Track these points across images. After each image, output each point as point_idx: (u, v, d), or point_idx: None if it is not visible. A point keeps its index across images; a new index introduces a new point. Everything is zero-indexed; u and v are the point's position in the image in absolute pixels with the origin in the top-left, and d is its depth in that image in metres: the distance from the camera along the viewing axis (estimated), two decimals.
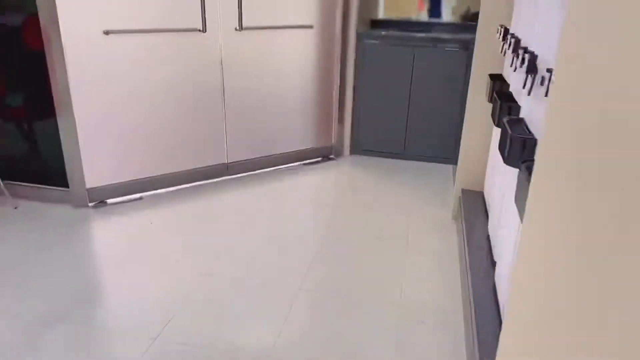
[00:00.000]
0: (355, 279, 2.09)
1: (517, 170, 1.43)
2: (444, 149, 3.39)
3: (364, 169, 3.33)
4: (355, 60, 3.30)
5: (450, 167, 3.36)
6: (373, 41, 3.29)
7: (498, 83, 2.09)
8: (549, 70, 1.05)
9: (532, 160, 1.19)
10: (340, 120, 3.44)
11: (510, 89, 1.92)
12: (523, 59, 1.39)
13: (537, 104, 1.38)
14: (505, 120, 1.52)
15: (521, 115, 1.63)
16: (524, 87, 1.42)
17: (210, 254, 2.24)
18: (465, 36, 3.25)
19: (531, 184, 0.88)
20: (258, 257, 2.23)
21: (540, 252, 0.89)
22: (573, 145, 0.77)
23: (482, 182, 2.55)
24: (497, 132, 2.09)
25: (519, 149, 1.37)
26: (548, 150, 0.85)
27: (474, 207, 2.43)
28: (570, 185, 0.76)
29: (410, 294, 2.01)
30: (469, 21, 3.66)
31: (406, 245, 2.37)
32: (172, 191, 2.88)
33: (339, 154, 3.51)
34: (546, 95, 1.03)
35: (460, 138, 3.12)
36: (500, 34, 2.05)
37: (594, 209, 0.69)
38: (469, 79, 3.01)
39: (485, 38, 2.30)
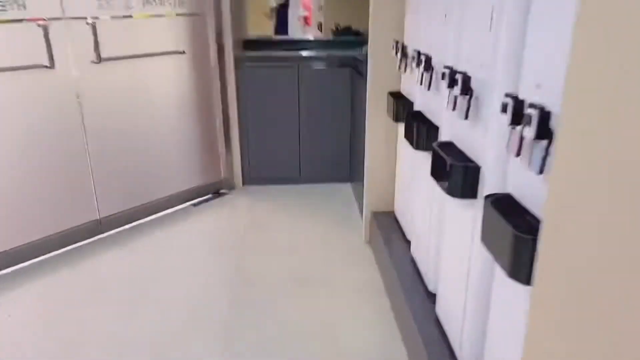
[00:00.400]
0: (282, 335, 1.82)
1: (450, 196, 1.30)
2: (339, 168, 3.27)
3: (262, 200, 3.07)
4: (236, 84, 3.02)
5: (348, 185, 3.25)
6: (252, 63, 3.05)
7: (402, 101, 2.00)
8: (511, 96, 0.92)
9: (493, 194, 1.06)
10: (228, 150, 3.13)
11: (419, 108, 1.82)
12: (452, 80, 1.27)
13: (472, 128, 1.27)
14: (436, 145, 1.39)
15: (444, 138, 1.52)
16: (454, 108, 1.29)
17: (92, 346, 1.79)
18: (343, 52, 3.17)
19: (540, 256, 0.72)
20: (157, 338, 1.84)
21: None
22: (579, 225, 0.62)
23: (391, 203, 2.45)
24: (411, 153, 1.99)
25: (462, 177, 1.25)
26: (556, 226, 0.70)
27: (387, 230, 2.32)
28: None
29: (346, 341, 1.80)
30: (341, 36, 3.63)
31: (327, 282, 2.17)
32: (31, 265, 2.31)
33: (231, 187, 3.20)
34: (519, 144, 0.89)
35: (354, 155, 3.03)
36: (397, 51, 1.96)
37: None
38: (355, 94, 2.95)
39: (378, 55, 2.20)
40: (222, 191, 3.14)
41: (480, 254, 1.26)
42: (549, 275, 0.74)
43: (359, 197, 2.81)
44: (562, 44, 0.84)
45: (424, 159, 1.72)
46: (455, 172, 1.25)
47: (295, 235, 2.62)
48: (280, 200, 3.06)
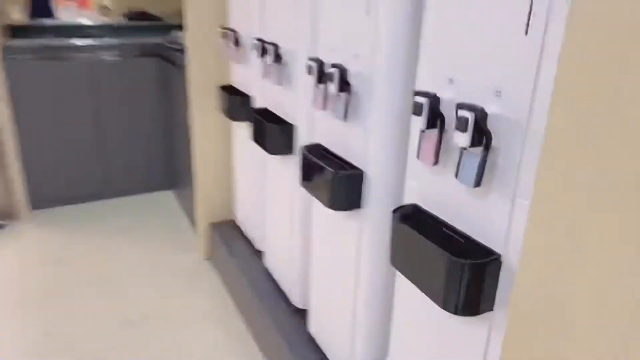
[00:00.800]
0: None
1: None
2: (155, 174, 2.83)
3: (60, 227, 2.45)
4: (6, 83, 2.31)
5: (170, 193, 2.84)
6: (25, 55, 2.37)
7: (238, 97, 1.74)
8: (426, 95, 0.76)
9: (401, 207, 0.91)
10: (2, 170, 2.40)
11: (264, 105, 1.59)
12: (321, 74, 1.08)
13: (349, 128, 1.10)
14: (305, 150, 1.19)
15: (306, 139, 1.34)
16: (324, 107, 1.11)
17: None
18: (142, 39, 2.72)
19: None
20: None
21: None
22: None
23: (230, 211, 2.18)
24: (257, 155, 1.76)
25: (346, 187, 1.08)
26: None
27: (231, 242, 2.05)
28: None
29: None
30: (137, 20, 3.13)
31: (167, 317, 1.81)
32: None
33: (12, 216, 2.47)
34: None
35: (174, 159, 2.65)
36: (227, 38, 1.68)
37: None
38: (168, 88, 2.55)
39: (200, 43, 1.88)
40: None
41: (374, 269, 1.13)
42: (526, 309, 0.62)
43: (188, 207, 2.46)
44: (482, 27, 0.71)
45: (277, 161, 1.51)
46: (338, 182, 1.07)
47: (115, 265, 2.14)
48: (85, 223, 2.49)
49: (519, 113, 0.67)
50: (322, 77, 1.09)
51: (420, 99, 0.77)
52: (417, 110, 0.78)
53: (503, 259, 0.74)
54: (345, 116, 1.05)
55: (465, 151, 0.73)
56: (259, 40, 1.43)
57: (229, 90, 1.79)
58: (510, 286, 0.73)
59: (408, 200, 0.94)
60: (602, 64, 0.48)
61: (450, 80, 0.78)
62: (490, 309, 0.77)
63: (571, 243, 0.56)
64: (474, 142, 0.70)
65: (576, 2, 0.49)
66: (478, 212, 0.76)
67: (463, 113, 0.69)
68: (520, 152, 0.68)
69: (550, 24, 0.61)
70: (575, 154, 0.53)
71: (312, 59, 1.10)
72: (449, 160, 0.79)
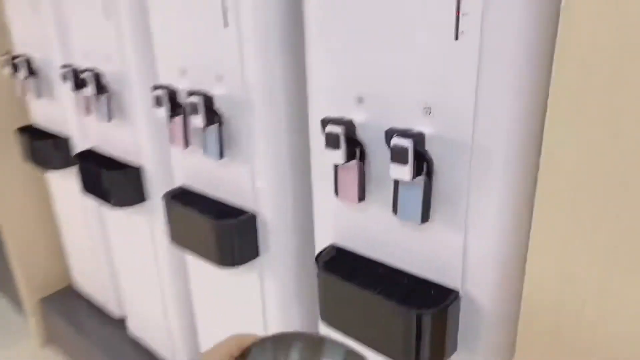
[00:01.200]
0: None
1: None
2: None
3: None
4: None
5: None
6: None
7: (50, 141, 1.36)
8: (334, 122, 0.61)
9: (322, 253, 0.75)
10: None
11: (89, 146, 1.26)
12: (174, 105, 0.85)
13: (225, 166, 0.90)
14: (169, 198, 0.95)
15: (165, 185, 1.08)
16: (186, 145, 0.89)
17: None
18: None
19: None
20: None
21: None
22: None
23: (65, 276, 1.76)
24: (93, 206, 1.41)
25: (240, 237, 0.88)
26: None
27: (76, 316, 1.66)
28: None
29: None
30: None
31: None
32: None
33: None
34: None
35: None
36: (22, 69, 1.28)
37: None
38: None
39: None
40: None
41: (285, 321, 0.96)
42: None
43: (3, 283, 1.93)
44: (398, 30, 0.59)
45: (122, 212, 1.22)
46: (228, 234, 0.87)
47: None
48: None
49: (459, 132, 0.57)
50: (176, 108, 0.86)
51: (333, 129, 0.62)
52: (331, 142, 0.63)
53: (461, 293, 0.64)
54: (221, 154, 0.84)
55: (401, 183, 0.60)
56: (68, 66, 1.10)
57: (33, 133, 1.39)
58: (473, 320, 0.65)
59: (322, 241, 0.79)
60: (602, 72, 0.40)
61: (360, 100, 0.65)
62: (455, 349, 0.68)
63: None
64: (419, 172, 0.58)
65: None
66: (423, 247, 0.65)
67: (398, 141, 0.57)
68: (467, 175, 0.58)
69: (489, 24, 0.51)
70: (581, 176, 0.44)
71: (158, 87, 0.86)
72: (376, 192, 0.67)
